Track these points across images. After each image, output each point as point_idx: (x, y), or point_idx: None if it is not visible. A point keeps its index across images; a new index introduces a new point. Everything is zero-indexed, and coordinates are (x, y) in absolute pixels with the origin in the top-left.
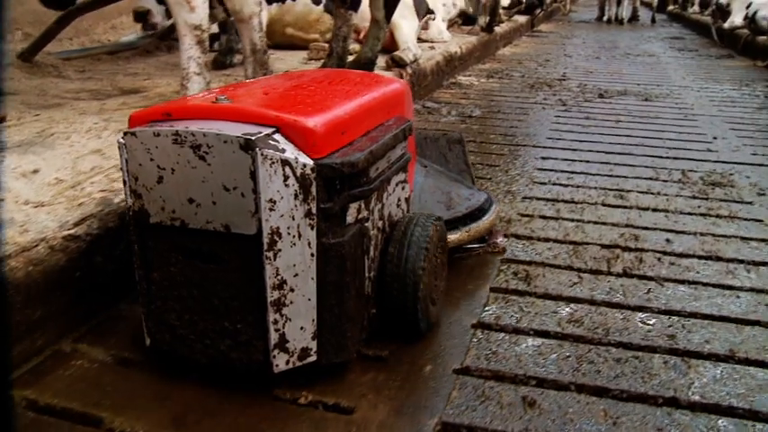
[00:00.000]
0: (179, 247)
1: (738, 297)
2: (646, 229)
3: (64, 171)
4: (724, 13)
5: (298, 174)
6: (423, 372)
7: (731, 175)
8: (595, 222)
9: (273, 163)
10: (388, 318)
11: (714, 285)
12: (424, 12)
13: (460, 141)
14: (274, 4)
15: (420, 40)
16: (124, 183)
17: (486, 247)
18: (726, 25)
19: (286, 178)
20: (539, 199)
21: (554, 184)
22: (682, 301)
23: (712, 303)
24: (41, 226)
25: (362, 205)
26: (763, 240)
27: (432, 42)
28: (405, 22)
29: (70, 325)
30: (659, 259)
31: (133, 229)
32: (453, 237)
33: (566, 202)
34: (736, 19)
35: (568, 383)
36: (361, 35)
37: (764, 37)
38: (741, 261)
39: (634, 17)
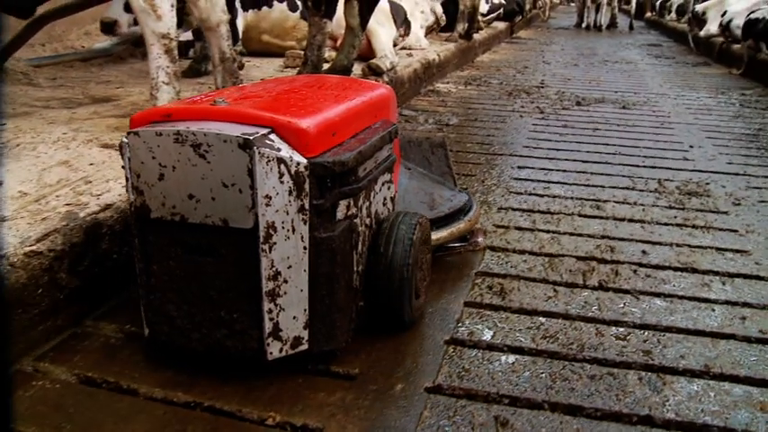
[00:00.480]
0: (178, 242)
1: (713, 310)
2: (622, 240)
3: (28, 184)
4: (700, 21)
5: (292, 171)
6: (393, 390)
7: (707, 184)
8: (571, 234)
9: (270, 161)
10: (374, 310)
11: (689, 298)
12: (401, 19)
13: (443, 145)
14: (250, 11)
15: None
16: (126, 180)
17: (468, 246)
18: (702, 33)
19: (281, 175)
20: (515, 209)
21: (530, 194)
22: (657, 314)
23: (688, 317)
24: (1, 242)
25: (351, 202)
26: (738, 251)
27: (410, 49)
28: (382, 29)
29: (32, 344)
30: (635, 271)
31: (134, 224)
32: (437, 235)
33: (542, 212)
34: (712, 27)
35: (542, 402)
36: (338, 42)
37: (739, 45)
38: (716, 273)
39: (612, 24)
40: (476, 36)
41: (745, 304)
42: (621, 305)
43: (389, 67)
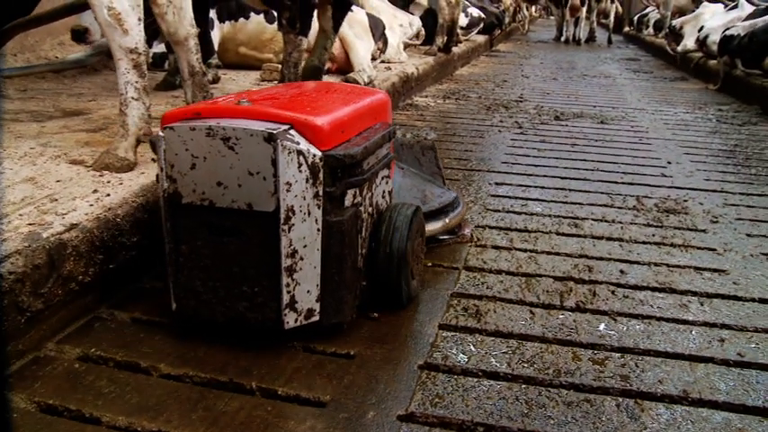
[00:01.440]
0: (206, 224)
1: (692, 332)
2: (600, 259)
3: None
4: (677, 35)
5: (309, 162)
6: (365, 419)
7: (685, 201)
8: (549, 253)
9: (290, 152)
10: (376, 290)
11: (667, 320)
12: (379, 33)
13: (433, 148)
14: (227, 23)
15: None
16: (161, 170)
17: (456, 238)
18: (679, 48)
19: (300, 165)
20: (492, 227)
21: (508, 211)
22: (635, 337)
23: (666, 339)
24: None
25: (357, 192)
26: (715, 271)
27: (388, 63)
28: (360, 42)
29: None
30: (613, 292)
31: (166, 210)
32: (429, 227)
33: (519, 230)
34: (689, 42)
35: (517, 430)
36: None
37: (715, 61)
38: (694, 293)
39: (591, 38)
40: (455, 49)
41: (724, 326)
42: (599, 327)
43: (367, 81)
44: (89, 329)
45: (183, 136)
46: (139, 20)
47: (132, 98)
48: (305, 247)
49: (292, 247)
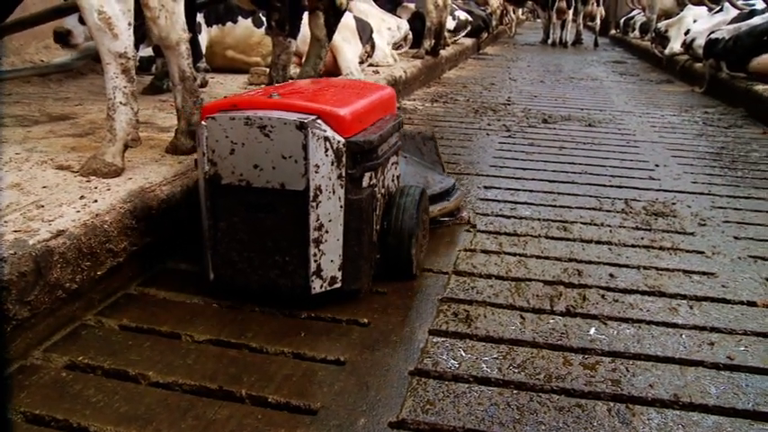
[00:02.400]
0: (243, 202)
1: (681, 336)
2: (589, 263)
3: None
4: (662, 38)
5: (334, 147)
6: (356, 426)
7: (673, 204)
8: (538, 257)
9: (319, 139)
10: (388, 262)
11: (657, 323)
12: (367, 36)
13: (433, 138)
14: (215, 26)
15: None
16: (202, 154)
17: (455, 220)
18: (666, 51)
19: (326, 150)
20: (481, 232)
21: (497, 215)
22: (625, 341)
23: (656, 343)
24: None
25: (373, 174)
26: (704, 274)
27: (377, 66)
28: (347, 46)
29: None
30: (603, 296)
31: (206, 190)
32: (432, 209)
33: (508, 234)
34: (675, 45)
35: None
36: (303, 59)
37: (701, 64)
38: (684, 296)
39: (578, 41)
40: (442, 52)
41: (713, 329)
42: (589, 332)
43: None
44: (76, 337)
45: (224, 125)
46: (129, 24)
47: (120, 103)
48: (330, 221)
49: (319, 222)
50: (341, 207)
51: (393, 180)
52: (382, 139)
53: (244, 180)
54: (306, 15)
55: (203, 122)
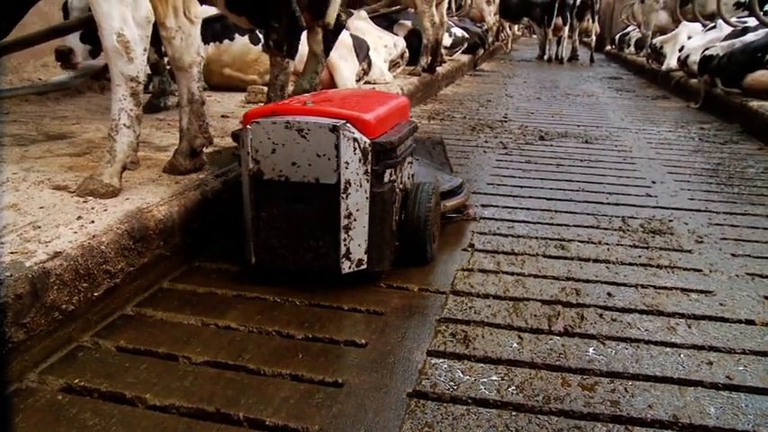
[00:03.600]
0: (282, 195)
1: (680, 355)
2: (587, 281)
3: None
4: (658, 54)
5: (361, 147)
6: None
7: (670, 221)
8: (536, 276)
9: (349, 139)
10: (406, 250)
11: (656, 343)
12: (364, 54)
13: (441, 143)
14: (211, 44)
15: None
16: (246, 154)
17: (463, 217)
18: (664, 67)
19: (355, 149)
20: (479, 251)
21: (494, 234)
22: (624, 361)
23: (655, 363)
24: None
25: (393, 171)
26: (702, 292)
27: (374, 83)
28: (344, 63)
29: None
30: (601, 315)
31: (250, 185)
32: (442, 205)
33: (506, 253)
34: (672, 61)
35: None
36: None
37: (696, 80)
38: (682, 315)
39: (573, 56)
40: (439, 69)
41: (712, 348)
42: (587, 352)
43: None
44: (73, 359)
45: (266, 128)
46: (144, 50)
47: (124, 125)
48: (357, 210)
49: (348, 211)
50: (366, 198)
51: (408, 177)
52: (400, 140)
53: (283, 175)
54: (303, 33)
55: (248, 126)
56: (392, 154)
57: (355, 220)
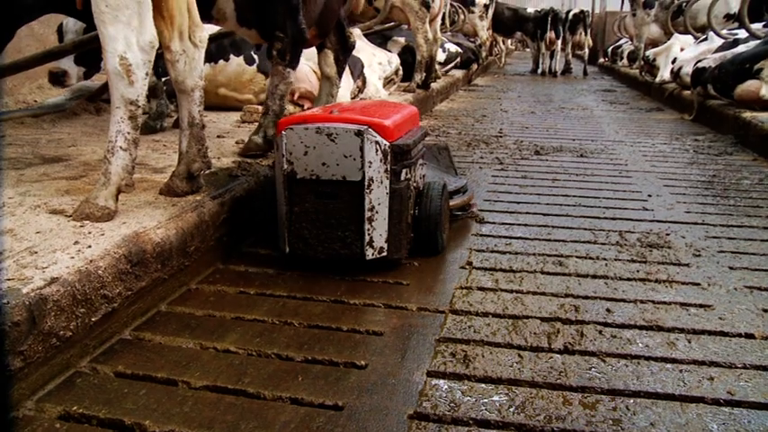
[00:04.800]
0: (313, 191)
1: (681, 371)
2: (585, 298)
3: None
4: (651, 66)
5: (382, 149)
6: None
7: (667, 235)
8: (534, 293)
9: (371, 142)
10: (420, 241)
11: (656, 359)
12: (359, 71)
13: (447, 148)
14: (207, 64)
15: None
16: (282, 156)
17: (467, 215)
18: (657, 79)
19: (376, 151)
20: (477, 268)
21: (492, 251)
22: (624, 378)
23: (655, 380)
24: None
25: (408, 170)
26: (701, 306)
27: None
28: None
29: None
30: (600, 332)
31: (284, 183)
32: (450, 203)
33: (504, 270)
34: (665, 73)
35: None
36: (296, 96)
37: (689, 92)
38: (681, 330)
39: (567, 70)
40: (433, 85)
41: (712, 363)
42: (588, 369)
43: None
44: (70, 386)
45: (299, 133)
46: (146, 75)
47: (120, 147)
48: (379, 204)
49: (371, 205)
50: (386, 194)
51: (420, 177)
52: (414, 143)
53: (314, 174)
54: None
55: (283, 132)
56: (408, 155)
57: (377, 212)
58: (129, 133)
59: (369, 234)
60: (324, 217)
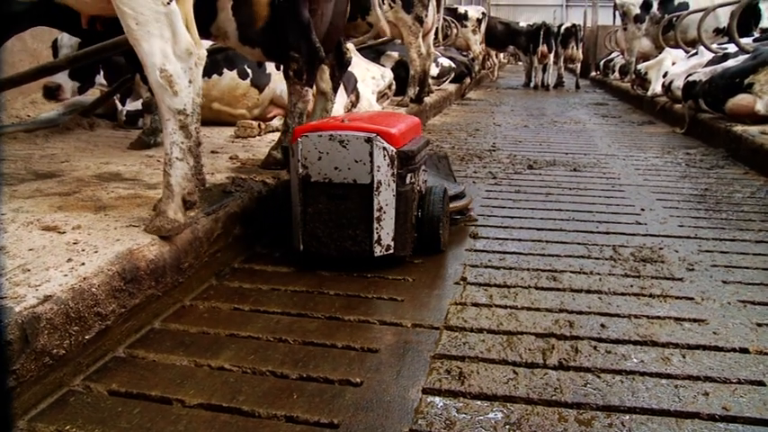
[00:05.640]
0: (326, 193)
1: (676, 387)
2: (580, 313)
3: None
4: (643, 80)
5: (389, 154)
6: None
7: (661, 249)
8: (529, 308)
9: (380, 148)
10: (423, 241)
11: (651, 374)
12: (352, 86)
13: (446, 157)
14: None
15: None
16: (297, 161)
17: (466, 218)
18: (649, 93)
19: (384, 156)
20: (471, 284)
21: (486, 266)
22: (620, 394)
23: (651, 395)
24: None
25: (413, 175)
26: (695, 321)
27: None
28: None
29: None
30: (595, 347)
31: (300, 185)
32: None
33: (498, 286)
34: (657, 87)
35: None
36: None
37: (680, 105)
38: (676, 345)
39: (559, 83)
40: (426, 99)
41: (707, 378)
42: (583, 385)
43: None
44: (64, 405)
45: (314, 140)
46: (189, 82)
47: (177, 158)
48: (386, 205)
49: (380, 205)
50: (393, 196)
51: (423, 182)
52: (418, 150)
53: (327, 178)
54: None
55: (299, 139)
56: (412, 161)
57: (385, 213)
58: (182, 143)
59: (377, 233)
60: (336, 217)
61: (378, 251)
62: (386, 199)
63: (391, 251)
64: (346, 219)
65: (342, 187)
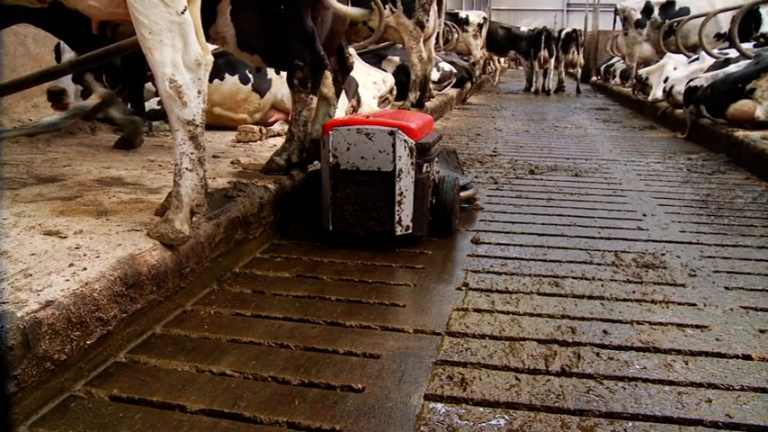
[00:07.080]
0: (353, 179)
1: (678, 393)
2: (582, 319)
3: None
4: (644, 85)
5: (409, 146)
6: None
7: (662, 255)
8: (531, 314)
9: (401, 140)
10: (437, 224)
11: (654, 381)
12: (353, 90)
13: (455, 152)
14: None
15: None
16: (328, 152)
17: (473, 207)
18: (650, 98)
19: (405, 147)
20: (473, 289)
21: (488, 272)
22: (623, 401)
23: (654, 402)
24: None
25: (428, 165)
26: (697, 327)
27: None
28: None
29: None
30: (597, 354)
31: (330, 173)
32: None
33: (500, 292)
34: (658, 92)
35: None
36: (290, 116)
37: (681, 110)
38: (678, 352)
39: (560, 88)
40: (427, 104)
41: (710, 385)
42: (586, 392)
43: None
44: (65, 410)
45: (343, 133)
46: (199, 93)
47: (186, 169)
48: (406, 190)
49: (401, 191)
50: (412, 182)
51: (436, 172)
52: (433, 143)
53: (354, 166)
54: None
55: (330, 132)
56: (428, 152)
57: (405, 197)
58: (192, 153)
59: (398, 215)
60: (362, 201)
61: (398, 231)
62: (406, 185)
63: (410, 231)
64: (371, 202)
65: (367, 174)
